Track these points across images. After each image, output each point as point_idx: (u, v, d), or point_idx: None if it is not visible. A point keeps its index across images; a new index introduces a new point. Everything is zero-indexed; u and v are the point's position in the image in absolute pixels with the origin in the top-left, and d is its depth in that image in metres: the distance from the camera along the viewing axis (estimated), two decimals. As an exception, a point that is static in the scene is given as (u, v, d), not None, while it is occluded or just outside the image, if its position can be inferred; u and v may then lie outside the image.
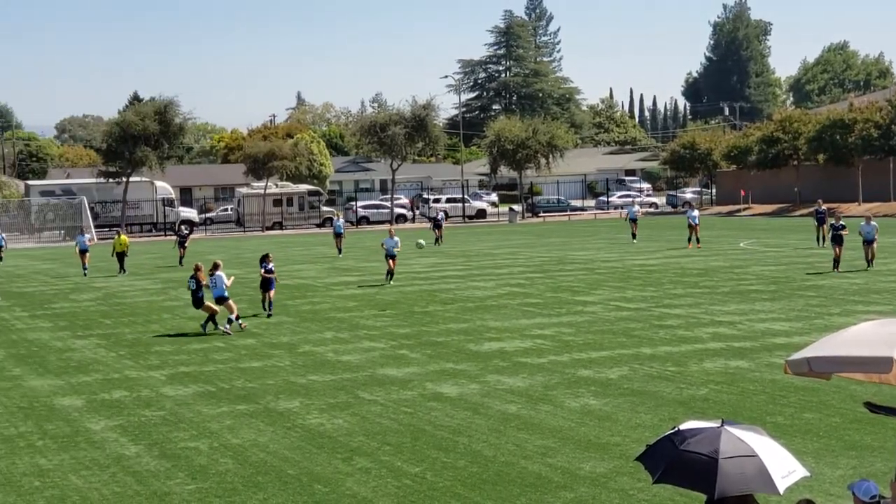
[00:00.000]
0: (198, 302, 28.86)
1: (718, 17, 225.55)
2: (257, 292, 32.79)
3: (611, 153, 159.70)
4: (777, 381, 19.25)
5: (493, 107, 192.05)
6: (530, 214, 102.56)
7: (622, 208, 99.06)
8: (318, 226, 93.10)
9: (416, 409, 18.24)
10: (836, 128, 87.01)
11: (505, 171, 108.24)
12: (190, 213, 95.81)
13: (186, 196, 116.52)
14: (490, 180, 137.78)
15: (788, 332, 25.18)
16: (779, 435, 14.16)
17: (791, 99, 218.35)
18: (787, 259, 45.04)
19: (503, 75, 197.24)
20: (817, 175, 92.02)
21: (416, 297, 35.14)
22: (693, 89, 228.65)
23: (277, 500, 13.48)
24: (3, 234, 64.60)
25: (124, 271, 48.20)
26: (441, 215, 68.03)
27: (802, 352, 9.22)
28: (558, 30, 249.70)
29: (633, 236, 59.01)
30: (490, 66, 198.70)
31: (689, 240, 53.79)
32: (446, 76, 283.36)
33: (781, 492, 7.19)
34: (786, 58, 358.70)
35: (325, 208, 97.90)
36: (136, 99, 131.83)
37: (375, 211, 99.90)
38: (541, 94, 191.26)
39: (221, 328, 28.27)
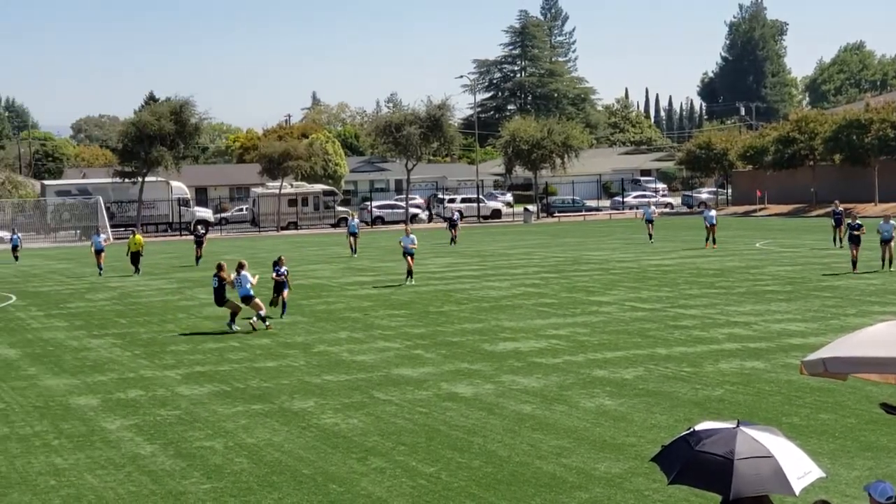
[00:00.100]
0: (220, 300, 28.94)
1: (734, 17, 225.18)
2: (271, 294, 32.81)
3: (626, 153, 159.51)
4: (793, 382, 19.20)
5: (509, 107, 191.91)
6: (545, 214, 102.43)
7: (637, 209, 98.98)
8: (333, 226, 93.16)
9: (430, 409, 18.24)
10: (853, 128, 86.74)
11: (520, 172, 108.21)
12: (205, 213, 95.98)
13: (202, 196, 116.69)
14: (505, 180, 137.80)
15: (804, 333, 25.11)
16: (794, 436, 14.12)
17: (807, 99, 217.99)
18: (803, 259, 44.92)
19: (518, 75, 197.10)
20: (833, 175, 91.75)
21: (431, 297, 35.14)
22: (709, 89, 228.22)
23: (292, 500, 13.48)
24: (19, 234, 64.79)
25: (138, 272, 48.20)
26: (456, 215, 68.01)
27: (818, 352, 9.19)
28: (573, 30, 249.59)
29: (650, 237, 58.87)
30: (505, 66, 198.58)
31: (707, 240, 53.67)
32: (461, 76, 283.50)
33: (797, 493, 7.16)
34: (802, 58, 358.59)
35: (339, 208, 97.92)
36: (151, 99, 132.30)
37: (390, 211, 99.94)
38: (556, 94, 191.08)
39: (236, 327, 28.44)
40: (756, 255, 48.02)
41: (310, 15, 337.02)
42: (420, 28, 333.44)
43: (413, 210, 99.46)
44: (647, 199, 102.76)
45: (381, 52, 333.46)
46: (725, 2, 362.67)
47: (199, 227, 69.07)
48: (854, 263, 38.74)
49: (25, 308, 36.48)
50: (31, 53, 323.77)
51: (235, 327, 28.48)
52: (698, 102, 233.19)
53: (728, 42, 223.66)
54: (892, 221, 39.66)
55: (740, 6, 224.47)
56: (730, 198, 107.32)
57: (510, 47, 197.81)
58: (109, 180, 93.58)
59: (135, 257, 48.73)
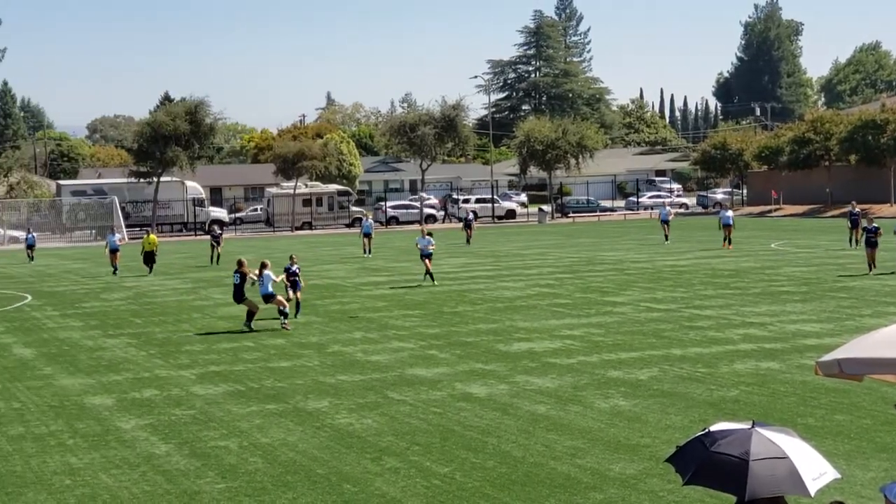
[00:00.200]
0: (239, 297, 29.02)
1: (750, 17, 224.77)
2: (284, 294, 32.84)
3: (641, 153, 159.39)
4: (808, 383, 19.15)
5: (523, 107, 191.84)
6: (560, 215, 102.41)
7: (652, 209, 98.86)
8: (348, 226, 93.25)
9: (445, 410, 18.23)
10: (868, 128, 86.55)
11: (534, 172, 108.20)
12: (220, 213, 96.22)
13: (216, 196, 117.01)
14: (519, 181, 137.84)
15: (819, 334, 25.05)
16: (810, 437, 14.08)
17: (823, 99, 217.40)
18: (818, 260, 44.82)
19: (533, 75, 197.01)
20: (849, 176, 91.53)
21: (445, 298, 35.14)
22: (724, 89, 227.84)
23: (307, 500, 13.49)
24: (34, 234, 65.01)
25: (150, 272, 48.21)
26: (471, 215, 67.92)
27: (833, 353, 9.16)
28: (588, 30, 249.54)
29: (666, 237, 58.71)
30: (520, 66, 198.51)
31: (725, 240, 53.43)
32: (476, 76, 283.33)
33: (812, 494, 7.14)
34: (817, 58, 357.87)
35: (354, 208, 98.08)
36: (167, 99, 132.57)
37: (405, 211, 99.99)
38: (571, 95, 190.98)
39: (251, 326, 28.56)
40: (771, 256, 47.92)
41: (324, 15, 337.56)
42: (435, 28, 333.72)
43: (427, 210, 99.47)
44: (661, 200, 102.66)
45: (395, 53, 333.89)
46: (741, 2, 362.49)
47: (215, 226, 69.26)
48: (870, 265, 38.59)
49: (41, 308, 36.58)
50: (46, 54, 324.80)
51: (248, 326, 28.60)
52: (713, 102, 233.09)
53: (743, 42, 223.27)
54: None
55: (756, 6, 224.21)
56: (745, 198, 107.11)
57: (525, 47, 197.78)
58: (125, 180, 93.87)
59: (149, 257, 48.77)
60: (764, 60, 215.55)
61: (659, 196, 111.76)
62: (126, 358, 25.04)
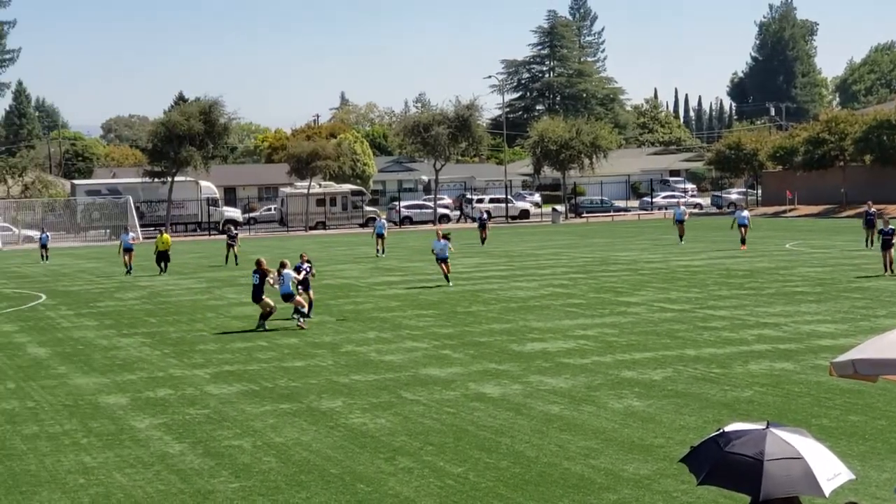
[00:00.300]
0: (258, 296, 29.05)
1: (764, 17, 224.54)
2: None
3: (655, 153, 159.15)
4: (822, 384, 19.10)
5: (537, 107, 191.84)
6: (573, 215, 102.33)
7: (666, 209, 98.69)
8: (362, 226, 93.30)
9: (458, 410, 18.23)
10: (883, 128, 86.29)
11: (548, 172, 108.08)
12: (234, 213, 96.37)
13: (230, 196, 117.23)
14: (533, 181, 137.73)
15: (834, 334, 24.98)
16: (824, 437, 14.05)
17: (837, 99, 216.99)
18: (833, 260, 44.71)
19: (547, 75, 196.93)
20: (864, 176, 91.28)
21: (459, 298, 35.14)
22: (739, 89, 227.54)
23: (320, 499, 13.50)
24: (48, 234, 65.20)
25: (163, 272, 48.23)
26: (485, 215, 67.77)
27: (848, 354, 9.14)
28: (602, 30, 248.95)
29: (680, 238, 58.46)
30: (534, 66, 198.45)
31: (743, 241, 53.03)
32: (490, 76, 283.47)
33: (827, 494, 7.13)
34: (832, 58, 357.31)
35: (368, 208, 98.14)
36: (181, 99, 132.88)
37: (419, 211, 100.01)
38: (584, 95, 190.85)
39: (265, 325, 28.61)
40: (786, 256, 47.81)
41: (338, 15, 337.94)
42: (448, 28, 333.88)
43: (441, 210, 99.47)
44: (676, 200, 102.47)
45: (409, 53, 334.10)
46: (755, 1, 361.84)
47: (231, 226, 69.37)
48: (886, 267, 38.40)
49: (55, 307, 36.67)
50: (61, 54, 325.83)
51: (262, 326, 28.65)
52: (728, 102, 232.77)
53: (758, 42, 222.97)
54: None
55: (770, 6, 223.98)
56: (760, 198, 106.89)
57: (539, 47, 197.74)
58: (139, 180, 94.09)
59: (162, 256, 48.79)
60: (779, 60, 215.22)
61: (673, 196, 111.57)
62: (140, 357, 25.09)
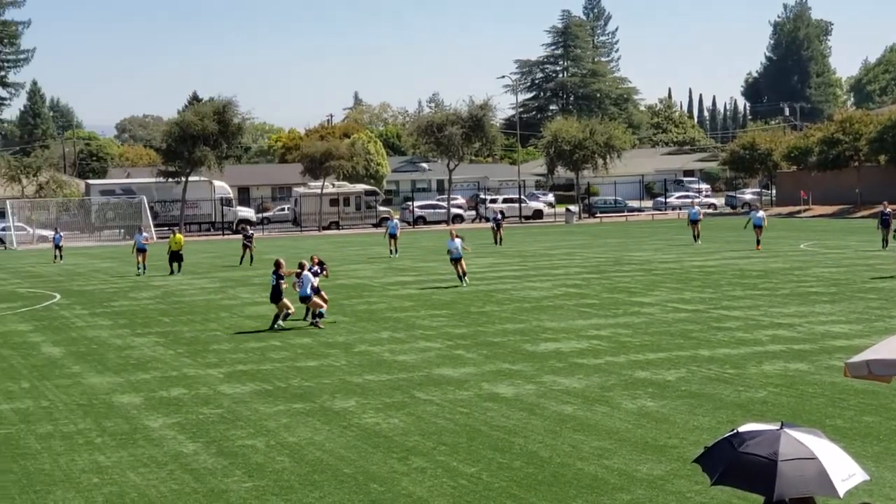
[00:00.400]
0: (277, 297, 29.07)
1: (779, 17, 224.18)
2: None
3: (669, 154, 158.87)
4: (836, 384, 19.05)
5: (550, 107, 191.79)
6: (587, 215, 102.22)
7: (680, 209, 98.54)
8: (375, 225, 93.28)
9: (471, 410, 18.22)
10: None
11: (562, 172, 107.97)
12: (247, 213, 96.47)
13: (244, 195, 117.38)
14: (547, 181, 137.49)
15: (848, 335, 24.92)
16: (838, 438, 14.02)
17: (852, 99, 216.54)
18: (847, 261, 44.59)
19: (560, 75, 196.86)
20: (878, 176, 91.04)
21: (472, 298, 35.13)
22: (753, 89, 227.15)
23: (333, 499, 13.50)
24: (61, 233, 65.33)
25: (173, 272, 48.28)
26: (499, 215, 67.65)
27: (862, 354, 9.13)
28: (616, 29, 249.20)
29: (694, 238, 58.24)
30: (547, 66, 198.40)
31: (758, 242, 52.86)
32: (503, 76, 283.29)
33: (841, 495, 7.11)
34: (847, 58, 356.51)
35: (381, 208, 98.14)
36: (195, 99, 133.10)
37: (432, 211, 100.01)
38: (598, 95, 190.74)
39: (280, 324, 28.65)
40: (800, 257, 47.70)
41: (350, 14, 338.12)
42: (462, 28, 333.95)
43: (455, 210, 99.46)
44: (690, 200, 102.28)
45: (422, 53, 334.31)
46: (770, 1, 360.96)
47: (247, 227, 69.45)
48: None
49: (70, 307, 36.76)
50: (75, 54, 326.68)
51: (278, 325, 28.69)
52: (742, 102, 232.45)
53: (772, 42, 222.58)
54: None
55: (785, 6, 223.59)
56: (774, 199, 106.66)
57: (552, 47, 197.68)
58: (153, 180, 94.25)
59: (175, 256, 48.82)
60: (793, 60, 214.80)
61: (687, 196, 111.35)
62: (154, 357, 25.14)
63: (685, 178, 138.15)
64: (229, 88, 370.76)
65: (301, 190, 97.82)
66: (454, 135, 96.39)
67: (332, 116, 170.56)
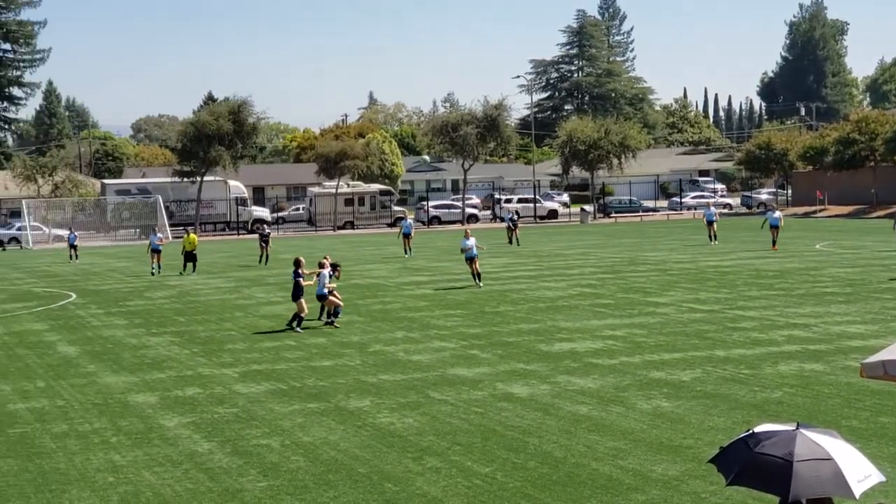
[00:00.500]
0: (297, 295, 29.09)
1: (795, 17, 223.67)
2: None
3: (684, 153, 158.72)
4: (852, 385, 18.99)
5: (566, 107, 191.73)
6: (602, 215, 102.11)
7: (696, 209, 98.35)
8: (390, 225, 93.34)
9: (486, 410, 18.20)
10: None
11: (577, 172, 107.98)
12: (262, 213, 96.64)
13: (259, 195, 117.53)
14: (562, 180, 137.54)
15: (864, 335, 24.84)
16: (854, 439, 13.97)
17: (868, 99, 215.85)
18: (863, 261, 44.46)
19: (575, 75, 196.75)
20: (894, 176, 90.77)
21: (486, 297, 35.11)
22: (769, 89, 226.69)
23: (348, 498, 13.51)
24: (76, 233, 65.45)
25: (185, 271, 48.35)
26: (514, 216, 67.54)
27: (878, 355, 9.10)
28: (631, 29, 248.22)
29: (710, 238, 58.03)
30: (562, 66, 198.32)
31: (774, 242, 52.69)
32: (518, 76, 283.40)
33: (857, 496, 7.09)
34: (863, 58, 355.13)
35: (396, 208, 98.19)
36: (210, 99, 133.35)
37: (447, 211, 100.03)
38: (613, 94, 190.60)
39: (297, 328, 28.63)
40: (816, 257, 47.57)
41: (367, 15, 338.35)
42: (477, 28, 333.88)
43: (469, 210, 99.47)
44: (705, 200, 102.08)
45: (437, 52, 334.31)
46: (785, 1, 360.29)
47: (263, 226, 69.51)
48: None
49: (85, 306, 36.85)
50: (91, 54, 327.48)
51: (298, 329, 28.61)
52: (758, 102, 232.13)
53: (788, 42, 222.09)
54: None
55: (800, 6, 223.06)
56: (790, 199, 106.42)
57: (567, 47, 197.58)
58: (168, 179, 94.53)
59: (189, 257, 48.87)
60: (809, 60, 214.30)
61: (702, 196, 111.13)
62: (169, 356, 25.18)
63: (700, 178, 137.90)
64: (244, 88, 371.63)
65: (316, 190, 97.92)
66: (469, 135, 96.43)
67: (346, 116, 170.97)
